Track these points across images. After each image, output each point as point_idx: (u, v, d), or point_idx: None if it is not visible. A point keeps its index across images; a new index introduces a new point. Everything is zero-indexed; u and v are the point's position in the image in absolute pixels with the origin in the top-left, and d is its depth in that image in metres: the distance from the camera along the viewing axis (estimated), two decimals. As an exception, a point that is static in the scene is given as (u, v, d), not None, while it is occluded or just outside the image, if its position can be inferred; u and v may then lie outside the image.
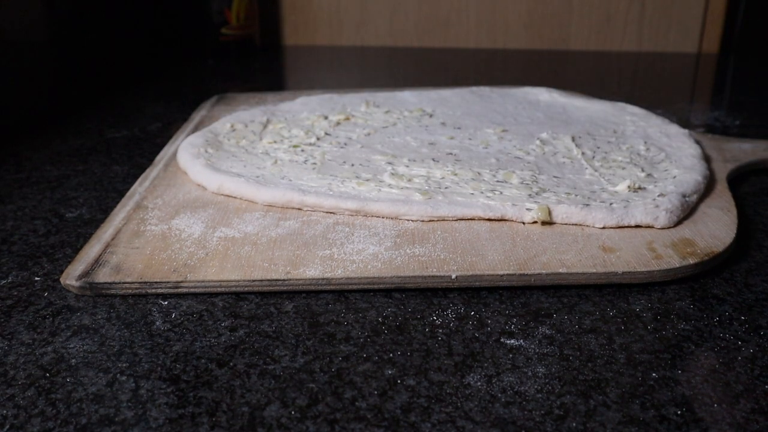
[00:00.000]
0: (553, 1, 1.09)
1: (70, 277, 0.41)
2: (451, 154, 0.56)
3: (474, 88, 0.76)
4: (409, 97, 0.73)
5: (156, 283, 0.40)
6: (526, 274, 0.40)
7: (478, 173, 0.52)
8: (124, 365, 0.35)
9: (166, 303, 0.40)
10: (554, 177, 0.52)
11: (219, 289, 0.40)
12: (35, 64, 0.75)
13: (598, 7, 1.09)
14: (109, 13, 0.92)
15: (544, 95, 0.73)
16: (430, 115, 0.67)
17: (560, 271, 0.40)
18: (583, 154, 0.56)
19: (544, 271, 0.40)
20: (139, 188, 0.53)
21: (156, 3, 1.05)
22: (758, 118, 0.76)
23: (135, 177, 0.57)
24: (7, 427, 0.31)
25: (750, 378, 0.34)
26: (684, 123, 0.73)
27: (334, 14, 1.13)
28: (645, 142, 0.59)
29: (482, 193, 0.48)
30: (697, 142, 0.60)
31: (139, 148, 0.66)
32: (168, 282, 0.40)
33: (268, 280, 0.40)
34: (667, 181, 0.50)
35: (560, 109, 0.69)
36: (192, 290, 0.40)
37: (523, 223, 0.46)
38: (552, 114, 0.67)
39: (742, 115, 0.77)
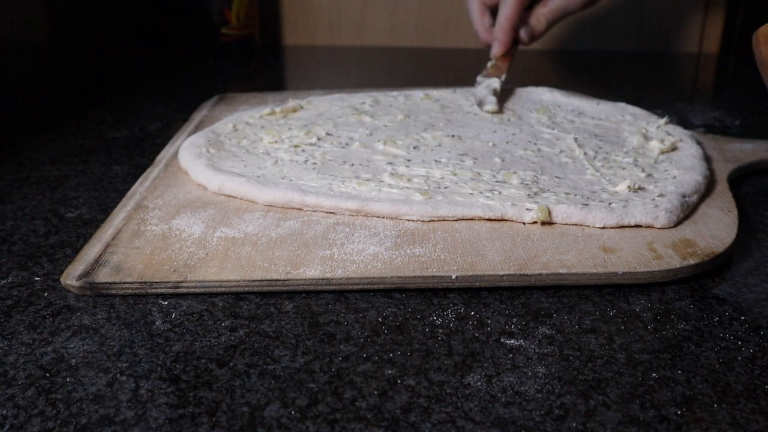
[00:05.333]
0: (553, 1, 1.09)
1: (71, 277, 0.41)
2: (459, 153, 0.56)
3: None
4: (416, 95, 0.73)
5: (156, 283, 0.40)
6: (527, 275, 0.40)
7: (478, 173, 0.52)
8: (124, 365, 0.35)
9: (166, 303, 0.40)
10: (556, 177, 0.52)
11: (219, 289, 0.40)
12: (35, 64, 0.75)
13: (597, 7, 1.09)
14: (109, 13, 0.92)
15: (546, 95, 0.73)
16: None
17: (560, 271, 0.40)
18: (585, 154, 0.56)
19: (544, 272, 0.40)
20: (139, 188, 0.53)
21: (156, 3, 1.05)
22: (758, 118, 0.76)
23: (135, 177, 0.57)
24: (7, 427, 0.31)
25: (750, 378, 0.34)
26: (684, 123, 0.73)
27: (334, 14, 1.13)
28: (645, 143, 0.59)
29: (482, 193, 0.48)
30: (698, 143, 0.59)
31: (139, 148, 0.66)
32: (168, 282, 0.40)
33: (268, 280, 0.40)
34: (667, 182, 0.50)
35: (563, 108, 0.69)
36: (192, 290, 0.40)
37: (524, 224, 0.46)
38: (554, 114, 0.67)
39: (742, 115, 0.77)
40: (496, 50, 0.75)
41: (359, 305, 0.40)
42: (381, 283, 0.40)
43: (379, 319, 0.38)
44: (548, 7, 0.75)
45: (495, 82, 0.71)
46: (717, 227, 0.46)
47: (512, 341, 0.36)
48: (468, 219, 0.46)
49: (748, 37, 0.52)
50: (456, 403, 0.32)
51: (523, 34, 0.75)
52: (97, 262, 0.42)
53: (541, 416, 0.31)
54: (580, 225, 0.46)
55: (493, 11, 0.78)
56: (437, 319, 0.38)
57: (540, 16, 0.75)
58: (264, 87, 0.90)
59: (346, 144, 0.58)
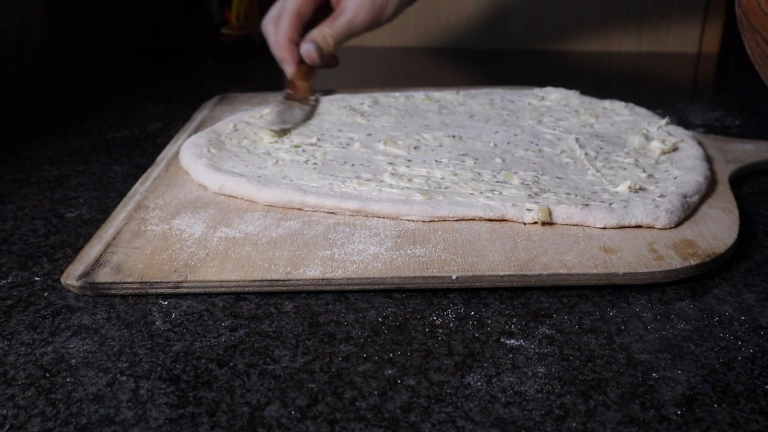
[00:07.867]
0: (553, 1, 1.09)
1: (71, 277, 0.41)
2: (460, 153, 0.56)
3: (488, 89, 0.75)
4: (418, 96, 0.72)
5: (156, 283, 0.40)
6: (527, 275, 0.40)
7: (479, 173, 0.52)
8: (124, 365, 0.35)
9: (166, 303, 0.40)
10: (557, 177, 0.52)
11: (219, 289, 0.40)
12: (35, 64, 0.75)
13: (598, 7, 1.09)
14: (109, 14, 0.92)
15: (555, 95, 0.72)
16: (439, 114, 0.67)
17: (561, 272, 0.40)
18: (586, 154, 0.56)
19: (544, 272, 0.40)
20: (140, 188, 0.53)
21: (156, 3, 1.05)
22: (758, 118, 0.76)
23: (135, 177, 0.57)
24: (7, 427, 0.31)
25: (750, 378, 0.34)
26: (684, 123, 0.73)
27: (335, 14, 1.13)
28: (646, 143, 0.59)
29: (482, 193, 0.48)
30: (699, 143, 0.59)
31: (139, 148, 0.66)
32: (168, 282, 0.40)
33: (269, 280, 0.40)
34: (668, 182, 0.50)
35: (568, 109, 0.69)
36: (192, 290, 0.40)
37: (524, 224, 0.46)
38: (558, 114, 0.67)
39: (742, 115, 0.77)
40: (288, 70, 0.71)
41: (359, 305, 0.40)
42: (381, 284, 0.40)
43: (379, 319, 0.38)
44: (334, 26, 0.70)
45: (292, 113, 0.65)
46: (718, 228, 0.46)
47: (512, 341, 0.36)
48: (468, 219, 0.46)
49: (749, 38, 0.52)
50: (456, 403, 0.32)
51: (305, 50, 0.70)
52: (98, 262, 0.42)
53: (541, 416, 0.31)
54: (581, 225, 0.46)
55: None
56: (437, 319, 0.38)
57: (326, 35, 0.70)
58: (264, 87, 0.90)
59: (347, 144, 0.58)
